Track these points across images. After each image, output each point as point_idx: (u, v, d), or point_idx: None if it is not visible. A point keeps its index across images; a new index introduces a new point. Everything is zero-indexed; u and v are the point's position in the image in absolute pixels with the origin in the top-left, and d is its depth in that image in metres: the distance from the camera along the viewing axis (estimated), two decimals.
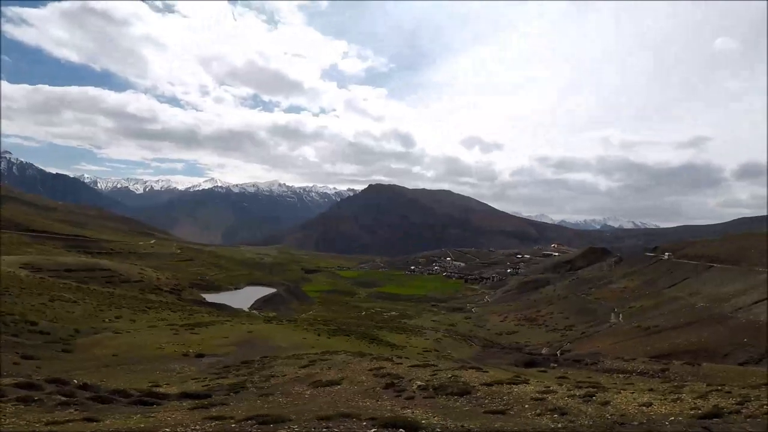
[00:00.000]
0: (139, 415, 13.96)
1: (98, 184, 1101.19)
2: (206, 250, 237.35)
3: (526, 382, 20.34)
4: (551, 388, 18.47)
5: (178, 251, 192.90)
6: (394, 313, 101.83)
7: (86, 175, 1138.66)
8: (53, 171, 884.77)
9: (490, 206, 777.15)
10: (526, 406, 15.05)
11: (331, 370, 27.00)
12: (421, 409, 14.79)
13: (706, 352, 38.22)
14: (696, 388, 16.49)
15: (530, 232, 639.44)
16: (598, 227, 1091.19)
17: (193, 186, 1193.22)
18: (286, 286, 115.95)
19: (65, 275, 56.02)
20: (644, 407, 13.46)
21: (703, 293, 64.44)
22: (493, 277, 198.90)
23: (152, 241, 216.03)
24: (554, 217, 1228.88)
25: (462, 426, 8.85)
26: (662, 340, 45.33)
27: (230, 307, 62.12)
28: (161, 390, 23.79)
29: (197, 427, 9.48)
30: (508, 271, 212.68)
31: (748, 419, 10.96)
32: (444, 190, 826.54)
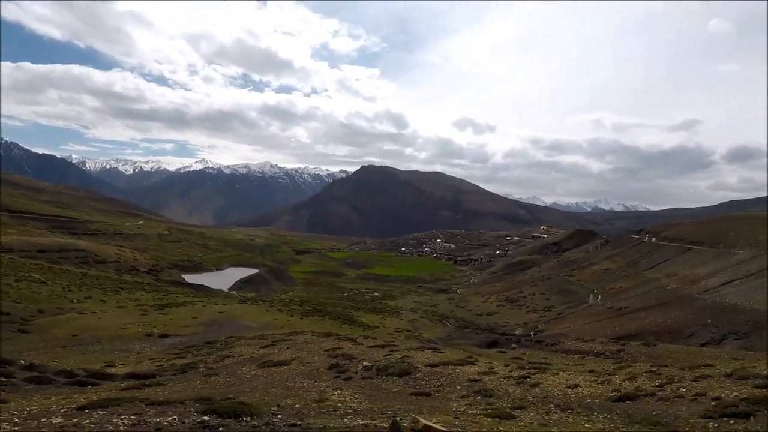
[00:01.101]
0: (58, 396, 13.69)
1: (87, 165, 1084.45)
2: (195, 231, 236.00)
3: (474, 363, 20.38)
4: (494, 369, 18.50)
5: (166, 232, 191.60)
6: (377, 294, 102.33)
7: (74, 156, 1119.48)
8: (40, 151, 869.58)
9: (482, 188, 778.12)
10: (458, 387, 15.01)
11: (288, 350, 26.92)
12: (349, 390, 14.69)
13: (671, 332, 38.75)
14: (635, 369, 16.52)
15: (521, 215, 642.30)
16: (589, 210, 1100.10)
17: (184, 167, 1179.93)
18: (269, 267, 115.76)
19: (37, 256, 55.21)
20: (569, 389, 13.43)
21: (680, 275, 65.15)
22: (482, 258, 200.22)
23: (140, 222, 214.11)
24: (546, 199, 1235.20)
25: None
26: (631, 321, 45.90)
27: (209, 287, 61.90)
28: (111, 370, 23.62)
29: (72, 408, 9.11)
30: (497, 252, 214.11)
31: (658, 402, 10.90)
32: (436, 172, 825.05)
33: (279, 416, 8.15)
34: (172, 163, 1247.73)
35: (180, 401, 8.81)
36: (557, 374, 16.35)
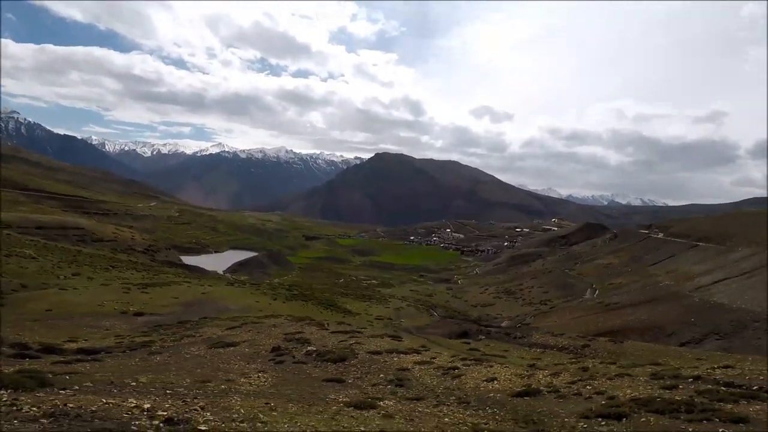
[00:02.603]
0: None
1: (106, 146, 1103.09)
2: (206, 214, 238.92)
3: (419, 352, 20.17)
4: (435, 359, 18.24)
5: (177, 214, 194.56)
6: (374, 281, 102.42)
7: (94, 137, 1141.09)
8: (61, 132, 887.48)
9: (497, 178, 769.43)
10: (381, 375, 14.81)
11: (249, 332, 27.03)
12: (269, 373, 14.58)
13: (653, 329, 37.80)
14: (572, 367, 16.03)
15: (536, 206, 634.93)
16: (605, 203, 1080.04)
17: (201, 150, 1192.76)
18: (267, 251, 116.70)
19: (35, 232, 56.51)
20: (486, 382, 13.10)
21: (679, 272, 63.54)
22: (488, 249, 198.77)
23: (152, 204, 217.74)
24: (562, 191, 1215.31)
25: None
26: (617, 317, 44.96)
27: (203, 269, 62.66)
28: (68, 345, 23.94)
29: None
30: (505, 244, 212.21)
31: (555, 399, 10.50)
32: (452, 161, 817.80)
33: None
34: (189, 147, 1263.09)
35: None
36: (491, 367, 16.01)
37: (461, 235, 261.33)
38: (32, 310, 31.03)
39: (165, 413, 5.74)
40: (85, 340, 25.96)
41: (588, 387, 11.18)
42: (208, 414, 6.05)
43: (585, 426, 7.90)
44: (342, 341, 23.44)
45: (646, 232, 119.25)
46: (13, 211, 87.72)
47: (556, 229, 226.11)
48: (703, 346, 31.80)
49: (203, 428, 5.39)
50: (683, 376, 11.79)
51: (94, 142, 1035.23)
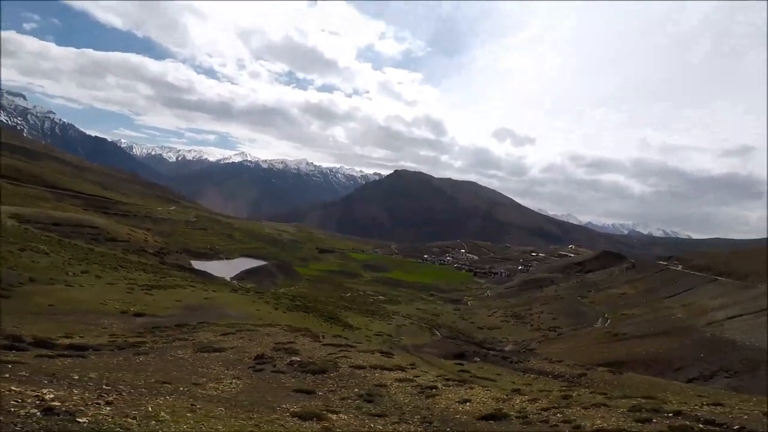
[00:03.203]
0: None
1: (134, 150, 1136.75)
2: (224, 221, 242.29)
3: (404, 369, 19.81)
4: (417, 377, 17.87)
5: (194, 219, 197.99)
6: (381, 297, 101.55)
7: (123, 140, 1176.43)
8: (93, 134, 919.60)
9: (515, 201, 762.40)
10: (356, 390, 14.57)
11: (241, 339, 27.04)
12: (243, 380, 14.46)
13: (660, 363, 36.28)
14: (557, 394, 15.44)
15: (554, 231, 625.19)
16: (626, 232, 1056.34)
17: (224, 158, 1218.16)
18: (276, 260, 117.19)
19: (52, 228, 58.13)
20: (458, 404, 12.75)
21: (695, 305, 61.27)
22: (502, 272, 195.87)
23: (172, 208, 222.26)
24: (581, 218, 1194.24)
25: None
26: (623, 348, 43.37)
27: (211, 274, 63.22)
28: (62, 341, 24.28)
29: None
30: (519, 267, 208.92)
31: (520, 424, 10.09)
32: (470, 182, 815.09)
33: None
34: (213, 154, 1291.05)
35: None
36: (472, 389, 15.59)
37: (475, 257, 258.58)
38: (36, 304, 31.66)
39: (56, 403, 5.73)
40: (81, 336, 26.30)
41: (559, 415, 10.75)
42: (108, 408, 6.01)
43: None
44: (330, 354, 23.19)
45: (665, 263, 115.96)
46: (34, 206, 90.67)
47: (572, 255, 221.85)
48: (712, 383, 30.35)
49: (81, 420, 5.35)
50: (664, 410, 11.24)
51: (122, 145, 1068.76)
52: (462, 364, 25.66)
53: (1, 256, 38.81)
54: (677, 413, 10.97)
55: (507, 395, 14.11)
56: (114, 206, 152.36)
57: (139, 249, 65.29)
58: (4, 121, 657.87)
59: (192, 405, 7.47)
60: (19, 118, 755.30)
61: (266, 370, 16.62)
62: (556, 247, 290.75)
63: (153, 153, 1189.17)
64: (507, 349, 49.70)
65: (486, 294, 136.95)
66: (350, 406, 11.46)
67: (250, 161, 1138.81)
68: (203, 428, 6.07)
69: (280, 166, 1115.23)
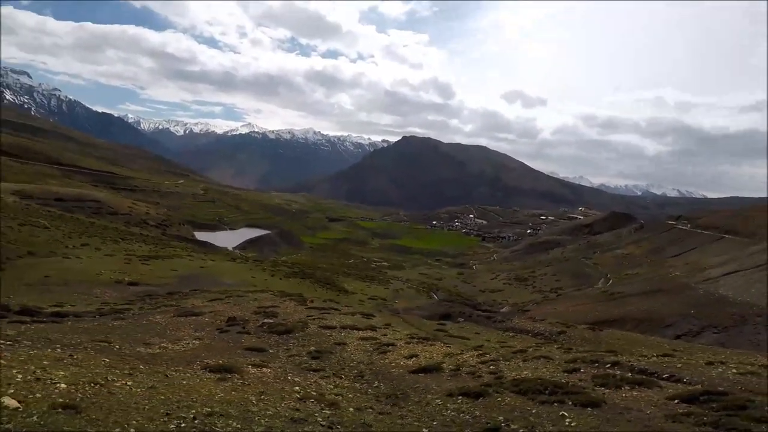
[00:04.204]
0: None
1: (141, 125, 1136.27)
2: (232, 193, 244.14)
3: (374, 329, 20.10)
4: (384, 337, 18.12)
5: (202, 192, 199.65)
6: (386, 263, 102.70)
7: (130, 115, 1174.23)
8: (99, 110, 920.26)
9: (525, 164, 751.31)
10: (311, 348, 14.87)
11: (225, 305, 27.57)
12: (201, 341, 14.83)
13: (651, 321, 36.39)
14: (506, 350, 15.60)
15: (565, 194, 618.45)
16: (639, 193, 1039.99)
17: (231, 130, 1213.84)
18: (280, 229, 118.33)
19: (53, 204, 59.22)
20: (405, 359, 12.91)
21: (697, 264, 60.72)
22: (509, 236, 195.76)
23: (180, 181, 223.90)
24: (594, 180, 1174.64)
25: None
26: (618, 307, 43.48)
27: (213, 244, 64.30)
28: (50, 309, 25.01)
29: None
30: (528, 231, 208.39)
31: (447, 377, 10.22)
32: (479, 146, 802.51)
33: None
34: (220, 126, 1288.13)
35: None
36: (432, 346, 15.79)
37: (484, 222, 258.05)
38: (31, 276, 32.51)
39: None
40: (72, 305, 27.06)
41: (492, 367, 10.85)
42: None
43: (440, 402, 7.68)
44: (309, 316, 23.62)
45: (673, 223, 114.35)
46: (42, 183, 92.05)
47: (581, 218, 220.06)
48: (699, 339, 30.46)
49: None
50: (603, 361, 11.27)
51: (130, 121, 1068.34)
52: (444, 324, 26.03)
53: (3, 231, 39.60)
54: (615, 363, 11.00)
55: (461, 351, 14.27)
56: (122, 181, 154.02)
57: (140, 221, 66.36)
58: (11, 99, 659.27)
59: (105, 360, 7.72)
60: (26, 97, 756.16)
61: (232, 332, 17.01)
62: (566, 210, 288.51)
63: (160, 128, 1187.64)
64: (503, 310, 50.28)
65: (493, 258, 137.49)
66: (292, 363, 11.71)
67: (257, 132, 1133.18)
68: (80, 376, 6.30)
69: (288, 137, 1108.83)
